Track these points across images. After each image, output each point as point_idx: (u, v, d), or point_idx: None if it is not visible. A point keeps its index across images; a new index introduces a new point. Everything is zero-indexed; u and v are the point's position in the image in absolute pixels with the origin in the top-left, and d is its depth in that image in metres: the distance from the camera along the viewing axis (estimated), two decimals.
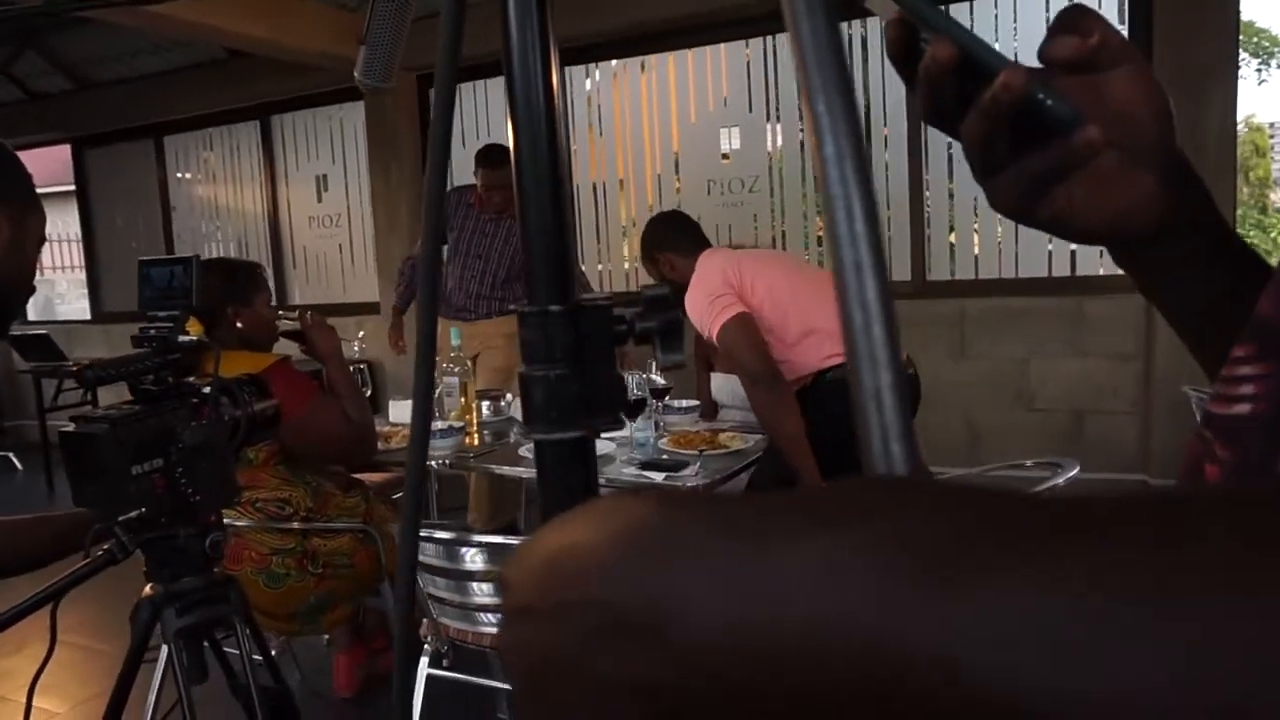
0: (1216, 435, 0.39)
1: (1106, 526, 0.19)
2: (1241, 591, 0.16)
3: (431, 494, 3.22)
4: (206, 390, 1.26)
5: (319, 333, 2.38)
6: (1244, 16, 6.73)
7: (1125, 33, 3.88)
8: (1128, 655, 0.17)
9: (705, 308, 2.42)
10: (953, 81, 0.42)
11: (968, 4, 4.10)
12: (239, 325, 2.28)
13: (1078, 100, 0.43)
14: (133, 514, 1.16)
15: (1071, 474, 2.22)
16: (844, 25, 4.38)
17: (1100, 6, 3.89)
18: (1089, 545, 0.18)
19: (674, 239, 2.66)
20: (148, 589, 1.29)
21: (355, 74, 0.81)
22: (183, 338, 1.18)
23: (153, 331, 1.20)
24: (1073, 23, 0.44)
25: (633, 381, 2.51)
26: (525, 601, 0.26)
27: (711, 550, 0.22)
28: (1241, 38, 3.97)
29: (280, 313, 2.48)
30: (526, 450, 2.66)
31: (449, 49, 0.49)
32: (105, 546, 1.14)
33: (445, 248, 3.87)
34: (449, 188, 5.57)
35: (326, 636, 2.70)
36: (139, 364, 1.17)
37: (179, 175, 6.58)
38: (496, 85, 5.16)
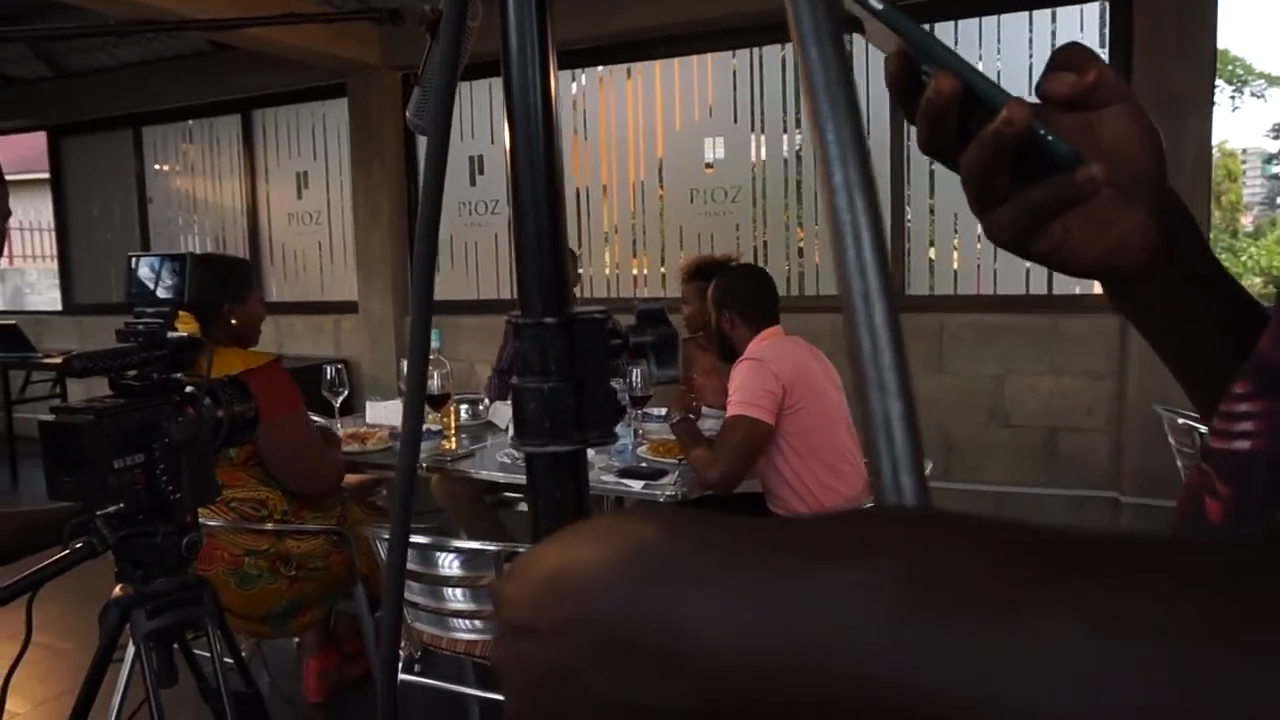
0: (1216, 470, 0.40)
1: (1119, 568, 0.20)
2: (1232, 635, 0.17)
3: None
4: (189, 388, 1.25)
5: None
6: (1220, 45, 6.85)
7: (1105, 59, 3.98)
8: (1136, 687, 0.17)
9: (738, 387, 2.37)
10: (954, 114, 0.42)
11: (953, 24, 4.16)
12: (233, 322, 2.30)
13: (1073, 136, 0.44)
14: (112, 508, 1.15)
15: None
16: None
17: (1082, 32, 3.96)
18: (1106, 586, 0.19)
19: (750, 306, 2.52)
20: (117, 589, 1.27)
21: (408, 114, 0.82)
22: (172, 334, 1.17)
23: (140, 326, 1.18)
24: (1069, 60, 0.45)
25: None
26: (523, 618, 0.26)
27: (720, 578, 0.22)
28: (1217, 65, 4.05)
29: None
30: (504, 456, 2.66)
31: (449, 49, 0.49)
32: (84, 540, 1.13)
33: None
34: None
35: (297, 640, 2.67)
36: (126, 358, 1.16)
37: (156, 167, 6.51)
38: (485, 86, 5.15)
